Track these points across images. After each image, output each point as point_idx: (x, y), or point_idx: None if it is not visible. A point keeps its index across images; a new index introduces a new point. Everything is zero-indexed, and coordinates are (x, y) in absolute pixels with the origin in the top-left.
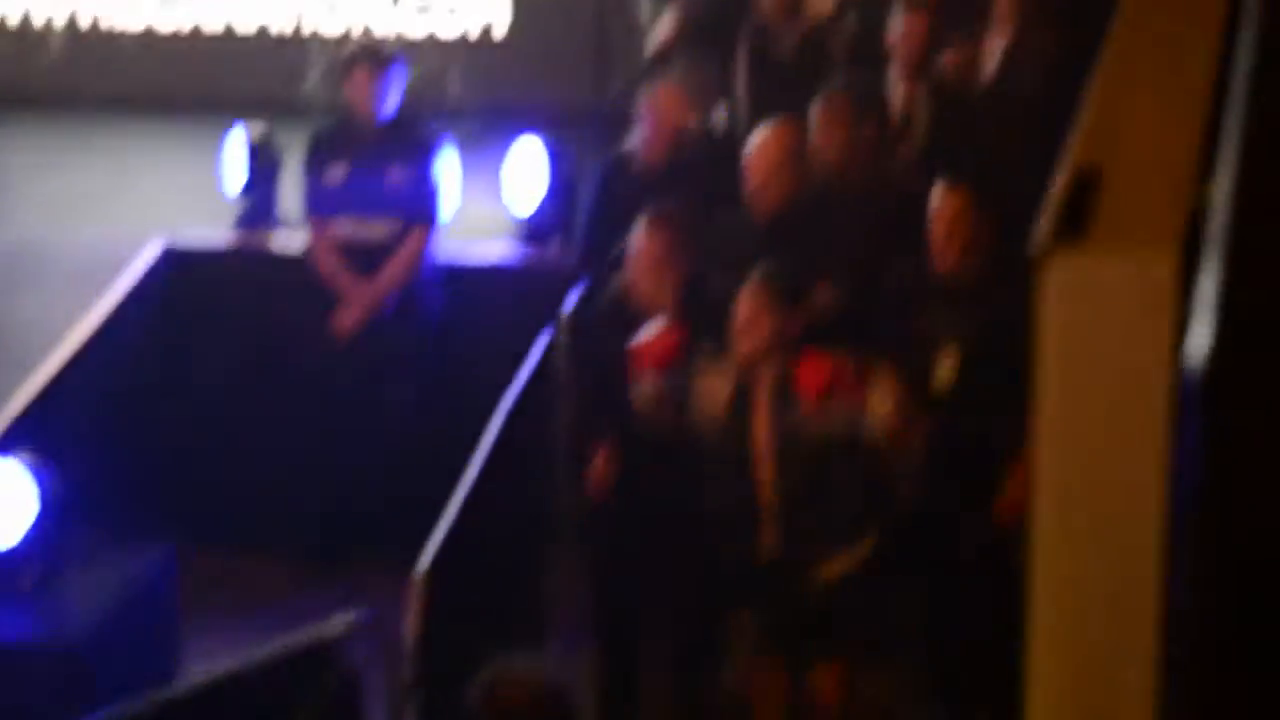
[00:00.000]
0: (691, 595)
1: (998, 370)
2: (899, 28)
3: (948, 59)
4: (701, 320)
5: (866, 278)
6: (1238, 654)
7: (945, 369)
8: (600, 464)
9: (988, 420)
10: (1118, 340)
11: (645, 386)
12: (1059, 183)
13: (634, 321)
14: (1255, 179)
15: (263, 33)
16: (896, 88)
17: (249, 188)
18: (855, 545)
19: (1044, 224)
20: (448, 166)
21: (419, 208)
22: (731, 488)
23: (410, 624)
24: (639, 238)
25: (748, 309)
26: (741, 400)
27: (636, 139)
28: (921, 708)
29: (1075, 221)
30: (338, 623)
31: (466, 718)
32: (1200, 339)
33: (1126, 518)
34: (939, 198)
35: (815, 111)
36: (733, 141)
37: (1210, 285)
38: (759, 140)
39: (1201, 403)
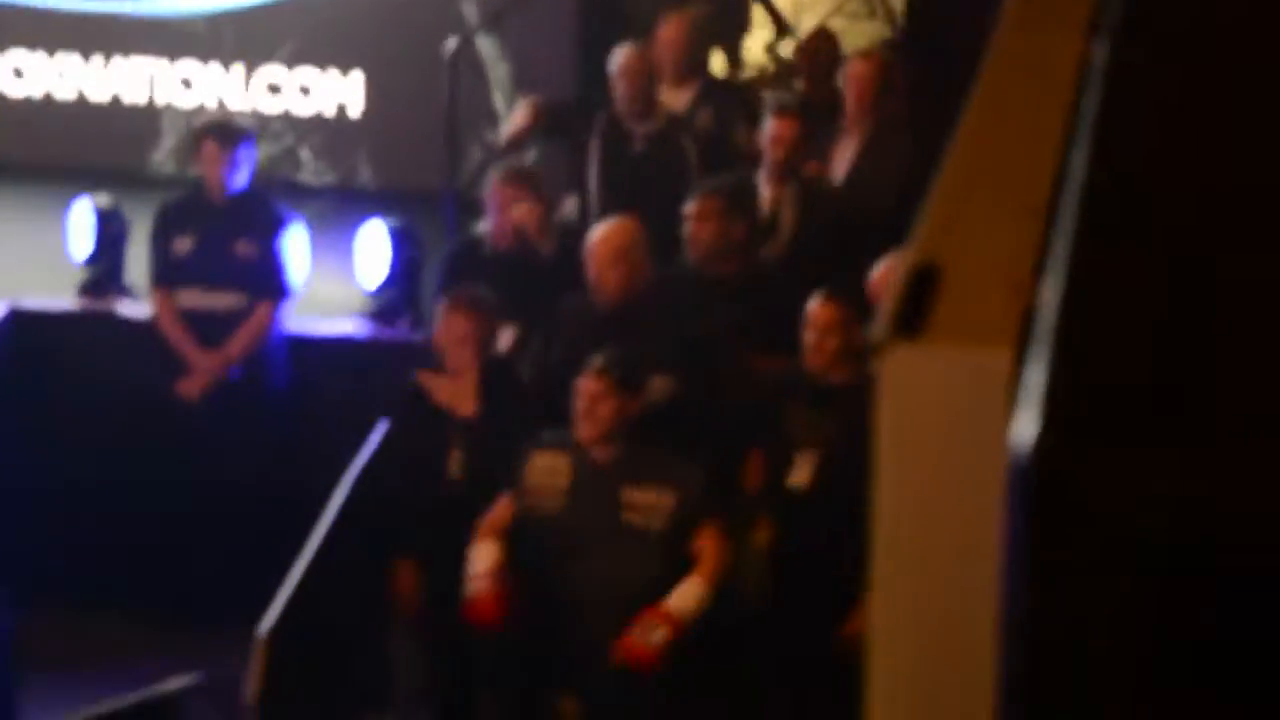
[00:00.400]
0: (519, 677)
1: (856, 479)
2: (768, 130)
3: (808, 162)
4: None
5: (732, 371)
6: None
7: (803, 471)
8: (406, 574)
9: (840, 531)
10: (953, 433)
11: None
12: (898, 277)
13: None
14: (1084, 276)
15: (116, 102)
16: (764, 189)
17: (95, 256)
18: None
19: (882, 317)
20: (296, 242)
21: (266, 281)
22: (565, 570)
23: (250, 686)
24: (437, 319)
25: (587, 394)
26: (581, 482)
27: (486, 224)
28: None
29: (914, 316)
30: (177, 683)
31: None
32: (1026, 429)
33: (961, 613)
34: (813, 308)
35: (689, 207)
36: (582, 232)
37: (1038, 377)
38: (599, 233)
39: (1026, 491)
